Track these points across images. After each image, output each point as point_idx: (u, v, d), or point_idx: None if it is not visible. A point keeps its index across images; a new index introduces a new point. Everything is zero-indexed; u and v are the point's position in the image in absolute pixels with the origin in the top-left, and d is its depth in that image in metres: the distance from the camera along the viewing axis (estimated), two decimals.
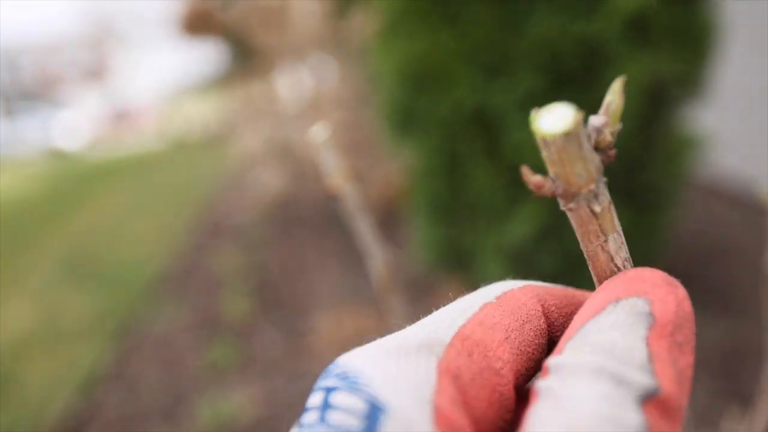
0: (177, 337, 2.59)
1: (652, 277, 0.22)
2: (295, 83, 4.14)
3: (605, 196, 0.21)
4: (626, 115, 1.80)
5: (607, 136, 0.21)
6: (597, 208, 0.21)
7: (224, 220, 4.54)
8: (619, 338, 0.19)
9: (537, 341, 0.24)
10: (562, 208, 0.22)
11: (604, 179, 0.21)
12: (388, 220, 3.62)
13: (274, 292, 2.93)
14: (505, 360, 0.22)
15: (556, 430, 0.17)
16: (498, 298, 0.24)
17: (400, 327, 0.23)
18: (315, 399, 0.21)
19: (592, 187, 0.21)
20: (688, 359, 0.20)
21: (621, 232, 0.23)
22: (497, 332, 0.22)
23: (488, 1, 1.83)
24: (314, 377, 2.07)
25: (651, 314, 0.20)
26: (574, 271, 2.04)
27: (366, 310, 2.46)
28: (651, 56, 1.79)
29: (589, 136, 0.20)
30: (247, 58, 4.48)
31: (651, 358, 0.19)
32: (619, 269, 0.23)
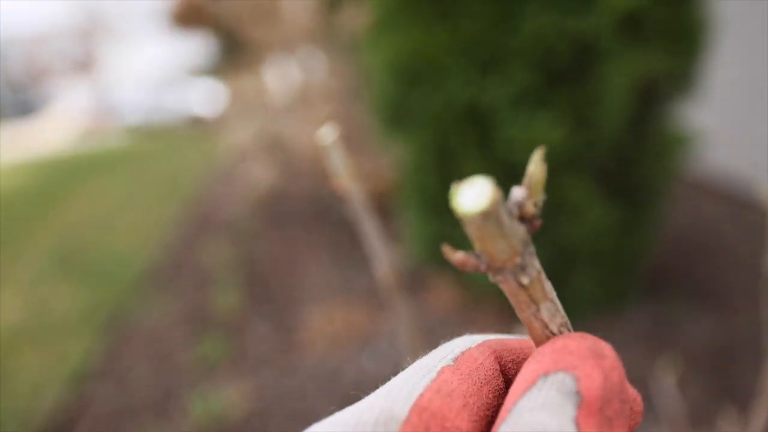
0: (167, 331, 2.58)
1: (579, 348, 0.22)
2: (285, 76, 4.12)
3: (533, 267, 0.21)
4: (617, 113, 1.81)
5: (530, 208, 0.21)
6: (525, 281, 0.21)
7: (214, 214, 4.53)
8: (549, 420, 0.19)
9: (495, 403, 0.24)
10: (491, 280, 0.21)
11: (531, 249, 0.21)
12: (380, 215, 3.61)
13: (264, 286, 2.93)
14: (463, 429, 0.22)
15: None
16: (456, 360, 0.24)
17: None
18: None
19: (518, 260, 0.20)
20: None
21: (555, 300, 0.22)
22: (455, 399, 0.22)
23: None
24: (305, 372, 2.08)
25: (578, 392, 0.20)
26: (566, 265, 2.05)
27: (356, 304, 2.47)
28: (643, 53, 1.79)
29: (510, 211, 0.20)
30: (237, 50, 4.46)
31: None
32: (554, 335, 0.23)
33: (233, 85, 4.93)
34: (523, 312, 0.22)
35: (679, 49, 1.88)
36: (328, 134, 0.46)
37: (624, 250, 2.08)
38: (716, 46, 2.08)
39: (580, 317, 2.13)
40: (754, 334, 1.92)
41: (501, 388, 0.24)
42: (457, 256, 0.21)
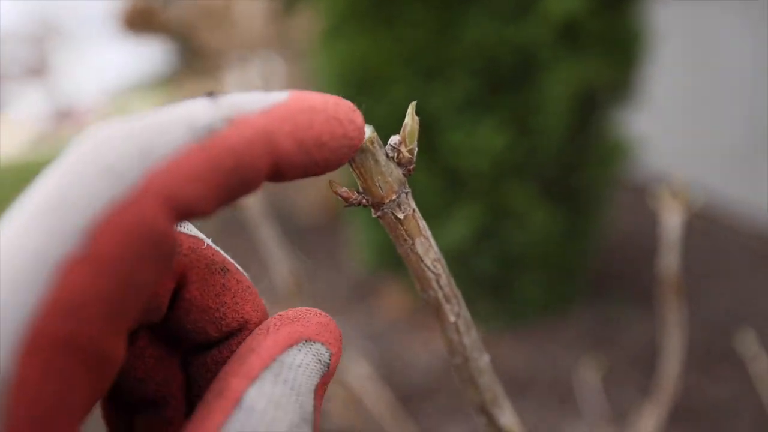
0: None
1: (336, 331, 0.24)
2: (242, 82, 4.10)
3: (409, 205, 0.24)
4: (559, 120, 1.86)
5: (406, 154, 0.24)
6: (400, 215, 0.24)
7: None
8: (303, 381, 0.21)
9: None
10: (373, 215, 0.24)
11: (407, 190, 0.24)
12: (333, 223, 3.62)
13: None
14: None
15: None
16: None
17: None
18: None
19: (394, 197, 0.23)
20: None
21: (429, 237, 0.25)
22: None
23: (425, 6, 1.86)
24: None
25: (328, 366, 0.22)
26: (512, 270, 2.09)
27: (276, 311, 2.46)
28: (582, 62, 1.84)
29: (387, 153, 0.23)
30: (193, 56, 4.43)
31: (314, 408, 0.21)
32: (428, 268, 0.25)
33: (190, 90, 4.88)
34: (401, 246, 0.25)
35: (617, 58, 1.93)
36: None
37: (568, 255, 2.12)
38: (655, 54, 2.14)
39: (526, 320, 2.17)
40: (689, 334, 1.99)
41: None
42: (342, 191, 0.24)
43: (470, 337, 0.27)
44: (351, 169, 0.23)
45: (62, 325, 0.15)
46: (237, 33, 3.58)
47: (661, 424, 0.67)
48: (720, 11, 3.07)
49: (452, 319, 0.27)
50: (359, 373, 0.85)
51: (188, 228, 0.23)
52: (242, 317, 0.24)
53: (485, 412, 0.29)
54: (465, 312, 0.27)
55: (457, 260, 2.04)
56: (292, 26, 3.34)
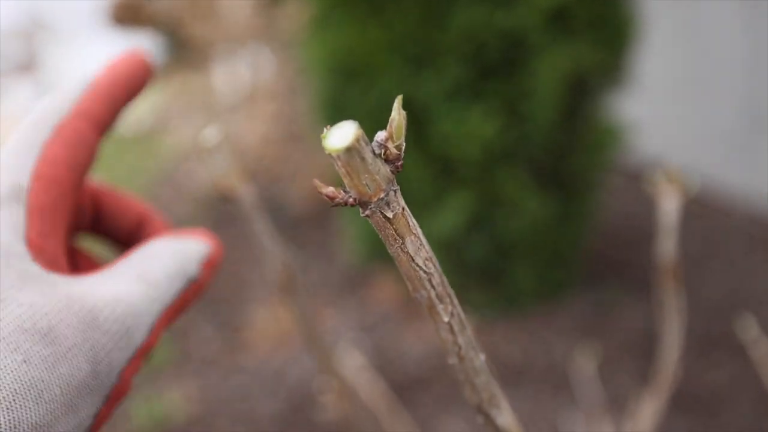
0: None
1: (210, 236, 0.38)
2: (231, 75, 4.08)
3: (398, 203, 0.23)
4: (549, 106, 1.85)
5: (393, 150, 0.23)
6: (389, 214, 0.23)
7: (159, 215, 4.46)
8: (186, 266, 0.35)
9: (89, 159, 0.33)
10: (362, 215, 0.24)
11: (396, 188, 0.23)
12: (326, 215, 3.61)
13: (210, 287, 2.90)
14: (67, 181, 0.31)
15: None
16: (54, 130, 0.31)
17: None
18: None
19: (382, 195, 0.23)
20: None
21: (420, 235, 0.25)
22: (60, 166, 0.30)
23: None
24: (249, 372, 2.06)
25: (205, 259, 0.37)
26: (505, 257, 2.09)
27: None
28: (572, 47, 1.83)
29: (373, 150, 0.22)
30: (181, 49, 4.40)
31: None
32: (420, 268, 0.25)
33: (179, 84, 4.86)
34: (391, 246, 0.25)
35: (608, 43, 1.92)
36: (212, 135, 0.46)
37: (561, 241, 2.12)
38: (647, 39, 2.13)
39: (520, 308, 2.17)
40: (686, 319, 1.99)
41: (94, 146, 0.33)
42: (327, 190, 0.23)
43: (464, 337, 0.26)
44: (336, 168, 0.22)
45: (49, 170, 0.30)
46: (224, 25, 3.56)
47: (659, 411, 0.66)
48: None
49: (446, 319, 0.26)
50: (353, 365, 0.85)
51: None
52: (138, 220, 0.38)
53: (483, 412, 0.28)
54: (459, 311, 0.26)
55: (449, 249, 2.04)
56: (279, 17, 3.32)
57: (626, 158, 4.07)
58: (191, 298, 0.34)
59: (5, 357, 0.23)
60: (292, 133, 3.50)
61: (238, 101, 3.97)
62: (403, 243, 0.24)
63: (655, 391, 0.66)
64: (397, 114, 0.23)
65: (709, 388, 1.74)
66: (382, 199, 0.23)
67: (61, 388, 0.24)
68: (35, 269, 0.26)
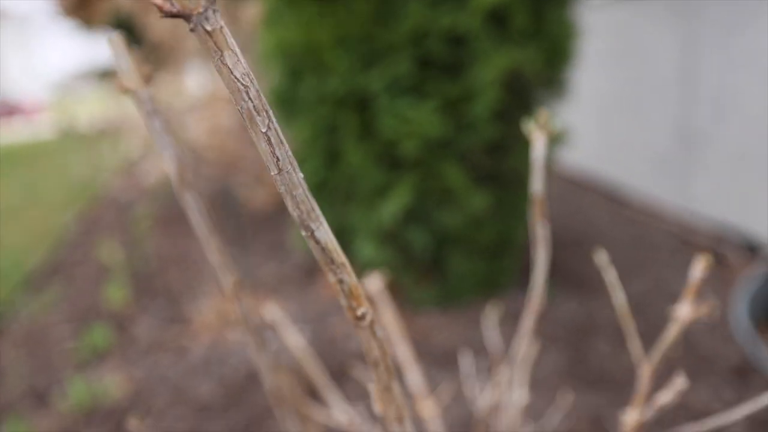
0: (54, 324, 2.54)
1: None
2: (195, 74, 4.10)
3: (216, 21, 0.28)
4: (489, 104, 1.93)
5: None
6: (208, 27, 0.28)
7: (111, 211, 4.45)
8: None
9: None
10: (189, 29, 0.28)
11: (216, 9, 0.28)
12: (281, 214, 3.67)
13: (158, 279, 2.91)
14: None
15: None
16: None
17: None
18: None
19: (201, 10, 0.27)
20: None
21: (237, 53, 0.29)
22: None
23: None
24: (191, 357, 2.09)
25: None
26: (445, 249, 2.16)
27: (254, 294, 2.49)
28: (509, 49, 1.92)
29: None
30: (145, 48, 4.40)
31: None
32: (238, 80, 0.29)
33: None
34: (213, 60, 0.28)
35: (544, 48, 2.02)
36: (116, 40, 0.51)
37: (500, 236, 2.20)
38: (583, 52, 2.25)
39: (460, 298, 2.24)
40: (609, 316, 2.11)
41: None
42: (157, 1, 0.27)
43: (282, 150, 0.31)
44: None
45: None
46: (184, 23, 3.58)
47: (531, 334, 0.74)
48: (648, 17, 3.21)
49: (263, 129, 0.31)
50: (297, 345, 0.88)
51: None
52: None
53: (304, 225, 0.34)
54: (276, 126, 0.31)
55: (391, 238, 2.10)
56: (241, 14, 3.37)
57: (565, 165, 4.25)
58: None
59: None
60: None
61: (198, 100, 3.99)
62: (222, 56, 0.29)
63: (527, 314, 0.73)
64: None
65: (626, 370, 1.85)
66: (201, 13, 0.27)
67: None
68: None
